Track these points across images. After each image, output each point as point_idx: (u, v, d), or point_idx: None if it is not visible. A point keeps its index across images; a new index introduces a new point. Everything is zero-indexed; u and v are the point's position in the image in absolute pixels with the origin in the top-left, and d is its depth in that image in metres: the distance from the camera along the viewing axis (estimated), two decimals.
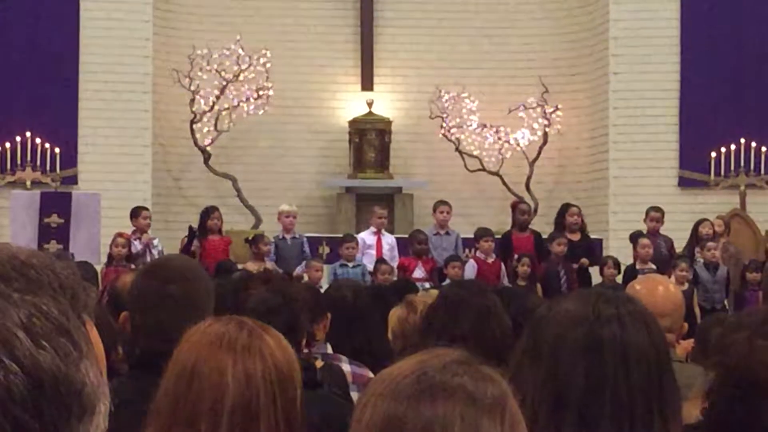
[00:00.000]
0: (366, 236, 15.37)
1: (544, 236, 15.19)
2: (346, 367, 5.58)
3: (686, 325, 4.82)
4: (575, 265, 14.61)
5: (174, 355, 2.69)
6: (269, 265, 13.50)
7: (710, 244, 14.52)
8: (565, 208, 15.46)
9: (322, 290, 7.81)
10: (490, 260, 14.65)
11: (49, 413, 1.17)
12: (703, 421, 2.99)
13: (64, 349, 1.20)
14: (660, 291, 4.76)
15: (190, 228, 14.67)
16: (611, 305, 2.66)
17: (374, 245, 15.23)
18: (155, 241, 14.42)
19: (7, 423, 1.15)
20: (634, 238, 14.87)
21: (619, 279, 13.97)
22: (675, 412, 2.61)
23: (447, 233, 15.43)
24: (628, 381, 2.57)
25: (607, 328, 2.61)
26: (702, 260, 14.55)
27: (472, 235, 15.34)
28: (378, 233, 15.45)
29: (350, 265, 14.42)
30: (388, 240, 15.46)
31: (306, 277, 13.68)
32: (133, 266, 12.89)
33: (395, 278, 13.19)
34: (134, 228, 14.51)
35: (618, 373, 2.57)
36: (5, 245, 1.27)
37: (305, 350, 5.07)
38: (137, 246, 14.17)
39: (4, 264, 1.23)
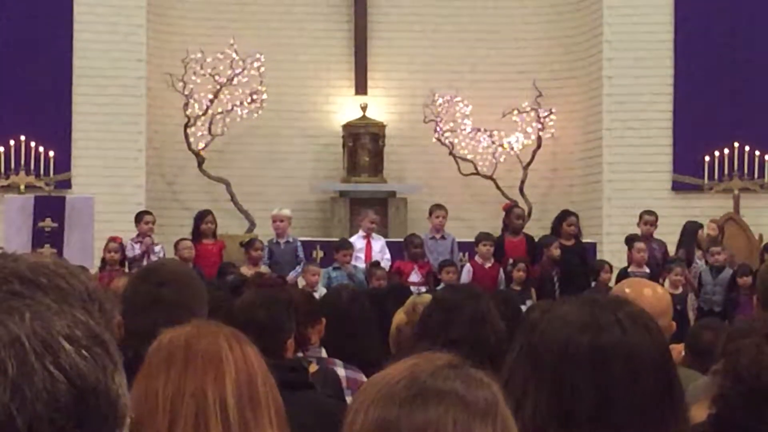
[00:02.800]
0: (356, 240, 15.31)
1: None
2: (341, 371, 5.55)
3: (674, 324, 4.80)
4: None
5: (147, 355, 2.62)
6: (263, 269, 13.48)
7: (713, 248, 14.65)
8: (564, 216, 15.31)
9: (316, 295, 7.78)
10: (487, 265, 14.59)
11: (89, 423, 1.18)
12: (708, 425, 2.99)
13: (102, 360, 1.20)
14: (648, 293, 4.72)
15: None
16: (608, 311, 2.54)
17: (364, 249, 15.19)
18: (157, 248, 14.35)
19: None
20: (630, 241, 14.87)
21: (613, 284, 13.94)
22: (684, 410, 2.53)
23: (443, 237, 15.41)
24: (638, 387, 2.46)
25: (608, 334, 2.49)
26: (702, 262, 14.74)
27: (465, 239, 15.30)
28: (368, 237, 15.41)
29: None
30: (378, 242, 15.43)
31: (302, 282, 13.68)
32: (126, 270, 12.87)
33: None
34: (138, 232, 14.54)
35: (627, 381, 2.46)
36: (25, 255, 1.26)
37: (298, 353, 5.06)
38: (136, 250, 14.14)
39: (37, 274, 1.22)
